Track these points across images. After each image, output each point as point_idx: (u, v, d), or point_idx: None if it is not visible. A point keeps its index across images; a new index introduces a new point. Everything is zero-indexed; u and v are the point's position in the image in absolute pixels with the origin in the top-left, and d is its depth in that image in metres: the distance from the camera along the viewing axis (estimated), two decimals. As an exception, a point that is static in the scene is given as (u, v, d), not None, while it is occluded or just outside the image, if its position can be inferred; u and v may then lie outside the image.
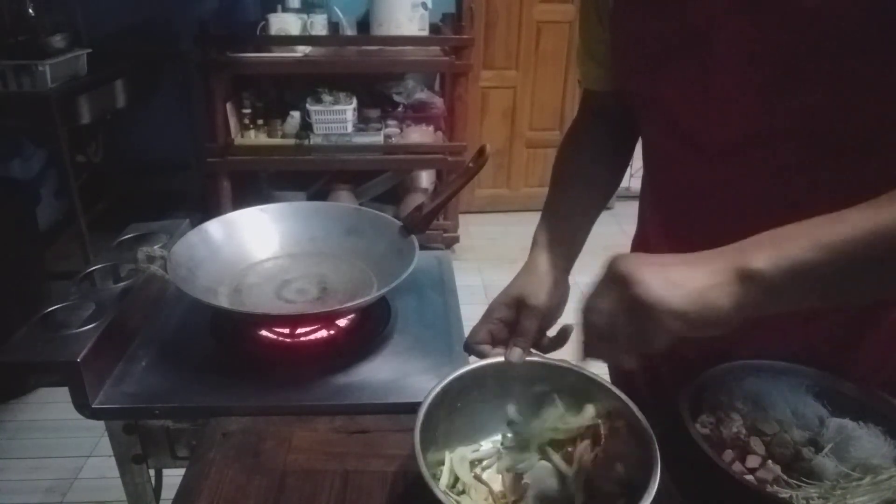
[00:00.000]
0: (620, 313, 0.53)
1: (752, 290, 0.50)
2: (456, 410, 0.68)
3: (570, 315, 0.80)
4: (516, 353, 0.70)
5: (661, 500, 0.54)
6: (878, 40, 0.55)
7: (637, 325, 0.52)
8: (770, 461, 0.63)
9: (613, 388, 0.65)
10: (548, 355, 0.74)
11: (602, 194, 0.86)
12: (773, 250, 0.50)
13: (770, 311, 0.51)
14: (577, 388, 0.68)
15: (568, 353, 0.72)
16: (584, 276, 0.83)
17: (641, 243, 0.91)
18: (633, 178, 0.86)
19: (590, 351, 0.59)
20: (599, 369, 0.67)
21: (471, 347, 0.76)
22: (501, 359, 0.70)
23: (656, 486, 0.55)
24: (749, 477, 0.61)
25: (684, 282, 0.51)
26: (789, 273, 0.49)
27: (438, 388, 0.65)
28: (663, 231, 0.82)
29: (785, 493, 0.60)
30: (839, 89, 0.58)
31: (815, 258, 0.49)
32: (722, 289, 0.50)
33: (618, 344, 0.55)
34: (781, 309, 0.51)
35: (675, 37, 0.66)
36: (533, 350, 0.74)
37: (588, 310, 0.56)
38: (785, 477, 0.62)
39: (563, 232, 0.81)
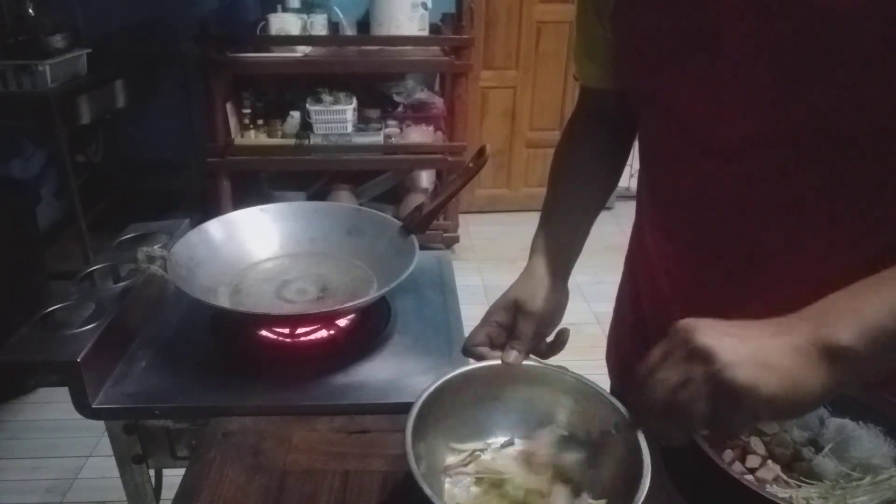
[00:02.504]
0: (699, 394, 0.47)
1: (840, 370, 0.46)
2: (450, 412, 0.68)
3: (569, 319, 0.80)
4: (512, 356, 0.71)
5: (661, 501, 0.54)
6: (889, 37, 0.54)
7: (720, 410, 0.47)
8: (770, 461, 0.63)
9: (609, 397, 0.65)
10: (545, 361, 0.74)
11: (599, 195, 0.85)
12: (856, 322, 0.46)
13: (853, 385, 0.48)
14: (574, 392, 0.68)
15: (562, 359, 0.73)
16: (584, 276, 0.83)
17: (639, 241, 0.91)
18: (632, 178, 0.86)
19: (647, 424, 0.54)
20: (594, 373, 0.67)
21: (469, 350, 0.76)
22: (498, 361, 0.71)
23: (644, 495, 0.54)
24: (749, 477, 0.61)
25: (775, 362, 0.46)
26: (877, 345, 0.46)
27: (432, 389, 0.65)
28: (661, 230, 0.82)
29: (785, 493, 0.60)
30: (850, 88, 0.58)
31: None
32: (811, 370, 0.46)
33: (686, 424, 0.49)
34: (862, 381, 0.48)
35: (683, 35, 0.66)
36: (531, 355, 0.74)
37: (654, 382, 0.49)
38: (785, 477, 0.62)
39: (561, 236, 0.81)
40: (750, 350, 0.47)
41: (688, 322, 0.50)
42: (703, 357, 0.47)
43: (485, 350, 0.75)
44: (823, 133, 0.61)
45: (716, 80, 0.65)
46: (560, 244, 0.80)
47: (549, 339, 0.78)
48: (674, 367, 0.49)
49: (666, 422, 0.50)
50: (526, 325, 0.74)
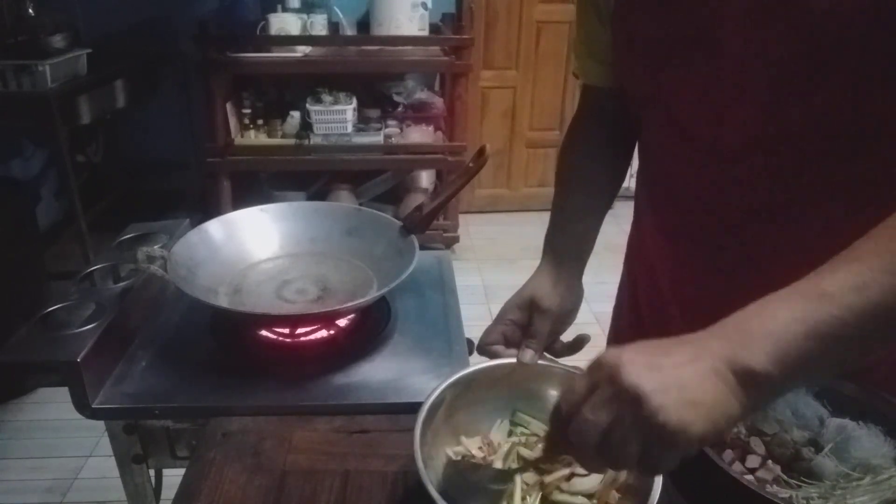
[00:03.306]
0: (630, 437, 0.46)
1: (756, 392, 0.46)
2: (459, 410, 0.68)
3: (583, 317, 0.80)
4: (528, 355, 0.70)
5: (660, 501, 0.55)
6: (887, 43, 0.54)
7: (652, 451, 0.46)
8: (770, 461, 0.63)
9: None
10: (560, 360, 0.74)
11: (606, 194, 0.86)
12: (769, 345, 0.46)
13: (772, 401, 0.49)
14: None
15: (562, 360, 0.73)
16: (584, 276, 0.84)
17: (637, 242, 0.91)
18: (633, 178, 0.86)
19: (588, 463, 0.53)
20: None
21: (484, 348, 0.76)
22: (513, 360, 0.70)
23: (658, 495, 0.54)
24: (749, 477, 0.61)
25: (700, 398, 0.45)
26: (791, 367, 0.46)
27: (442, 387, 0.65)
28: (660, 230, 0.82)
29: (785, 493, 0.60)
30: (849, 92, 0.58)
31: (814, 347, 0.45)
32: (731, 395, 0.46)
33: (618, 463, 0.49)
34: (782, 395, 0.49)
35: (682, 38, 0.66)
36: (546, 354, 0.74)
37: (584, 422, 0.48)
38: (785, 477, 0.62)
39: (572, 235, 0.81)
40: (675, 385, 0.45)
41: (611, 356, 0.48)
42: (631, 400, 0.45)
43: (500, 349, 0.75)
44: (822, 136, 0.61)
45: (715, 83, 0.65)
46: (571, 243, 0.80)
47: (568, 339, 0.78)
48: (602, 408, 0.47)
49: (598, 459, 0.49)
50: (542, 323, 0.74)
